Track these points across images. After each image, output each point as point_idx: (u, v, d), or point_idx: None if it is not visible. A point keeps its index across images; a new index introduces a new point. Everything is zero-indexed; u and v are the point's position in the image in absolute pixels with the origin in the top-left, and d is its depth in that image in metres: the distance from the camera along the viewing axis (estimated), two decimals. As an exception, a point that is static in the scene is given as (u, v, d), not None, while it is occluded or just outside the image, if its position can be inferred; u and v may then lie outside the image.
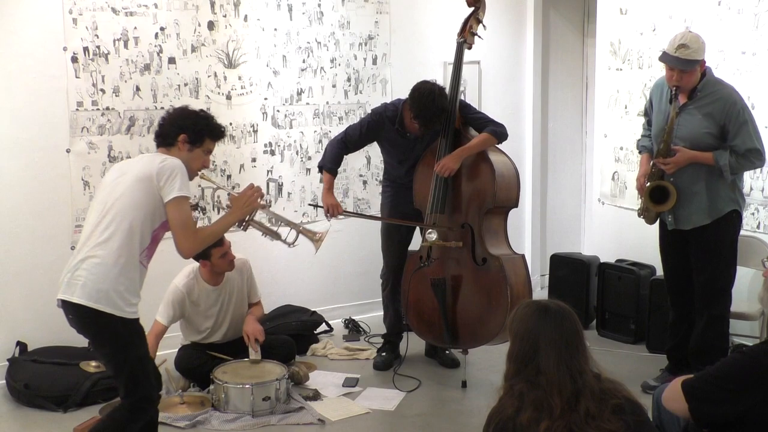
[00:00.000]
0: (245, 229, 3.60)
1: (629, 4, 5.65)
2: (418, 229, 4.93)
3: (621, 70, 5.75)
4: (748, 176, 4.75)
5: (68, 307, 3.20)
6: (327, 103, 5.77)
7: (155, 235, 3.26)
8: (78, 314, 3.18)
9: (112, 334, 3.19)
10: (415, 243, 4.91)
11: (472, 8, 4.78)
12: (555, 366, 2.27)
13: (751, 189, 4.85)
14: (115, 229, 3.15)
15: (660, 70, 5.38)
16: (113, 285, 3.14)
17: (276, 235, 3.91)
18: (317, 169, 4.93)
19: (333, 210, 4.72)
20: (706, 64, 4.25)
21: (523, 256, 4.72)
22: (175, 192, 3.17)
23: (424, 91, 4.54)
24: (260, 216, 3.99)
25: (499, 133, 4.64)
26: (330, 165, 4.82)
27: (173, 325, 4.73)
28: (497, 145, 4.70)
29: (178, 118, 3.38)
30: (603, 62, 5.94)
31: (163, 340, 4.71)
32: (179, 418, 4.20)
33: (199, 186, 5.31)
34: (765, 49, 4.78)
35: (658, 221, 4.50)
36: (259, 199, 3.49)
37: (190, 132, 3.34)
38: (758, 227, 4.85)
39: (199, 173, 3.47)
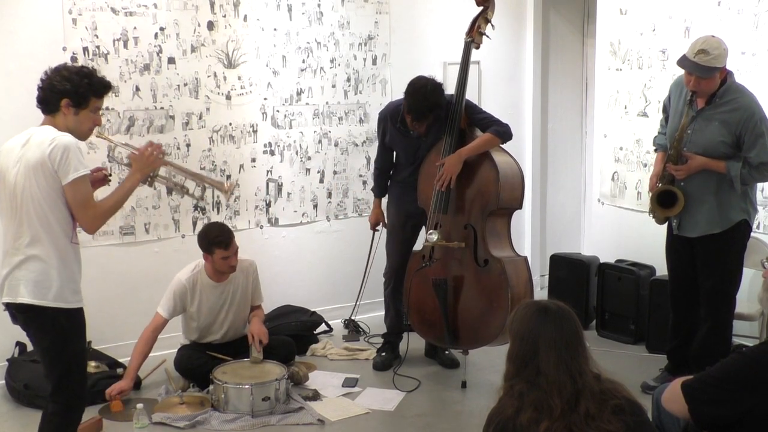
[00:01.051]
0: (151, 185, 3.50)
1: (629, 5, 5.65)
2: (423, 228, 4.93)
3: (621, 70, 5.75)
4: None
5: (13, 308, 3.20)
6: (327, 103, 5.76)
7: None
8: (22, 312, 3.18)
9: (55, 329, 3.17)
10: (420, 244, 4.90)
11: (481, 7, 4.76)
12: (555, 366, 2.27)
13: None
14: (37, 226, 3.12)
15: (660, 70, 5.41)
16: (57, 279, 3.14)
17: (182, 190, 3.82)
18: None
19: (373, 224, 5.17)
20: (728, 69, 4.15)
21: (525, 258, 4.70)
22: (70, 174, 3.08)
23: (417, 86, 4.56)
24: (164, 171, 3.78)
25: (502, 133, 4.63)
26: (375, 190, 5.16)
27: (174, 324, 4.73)
28: (502, 146, 4.69)
29: (58, 83, 3.17)
30: (603, 62, 5.94)
31: (163, 340, 4.72)
32: (179, 419, 4.20)
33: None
34: (765, 50, 4.78)
35: (666, 222, 4.47)
36: (160, 155, 3.37)
37: (72, 96, 3.16)
38: (758, 227, 4.84)
39: (96, 133, 3.35)
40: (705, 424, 2.70)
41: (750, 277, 4.87)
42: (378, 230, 5.21)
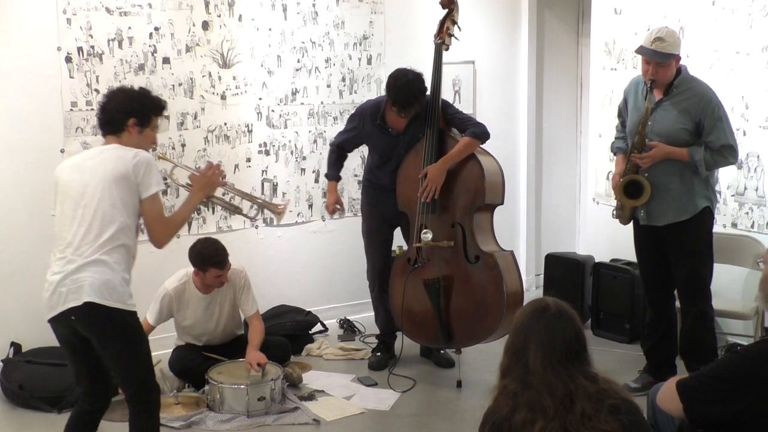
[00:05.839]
0: (206, 205, 3.58)
1: (623, 4, 5.66)
2: (399, 229, 4.94)
3: (615, 69, 5.75)
4: (742, 175, 4.77)
5: (74, 311, 3.12)
6: (322, 103, 5.76)
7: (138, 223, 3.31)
8: (87, 315, 3.12)
9: (126, 330, 3.18)
10: (398, 242, 4.91)
11: (447, 9, 4.83)
12: (541, 367, 2.26)
13: (746, 188, 4.87)
14: (110, 232, 3.13)
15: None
16: (120, 282, 3.16)
17: (237, 210, 3.90)
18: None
19: (331, 206, 4.97)
20: (681, 62, 4.28)
21: (512, 252, 4.73)
22: (153, 188, 3.18)
23: (399, 76, 4.60)
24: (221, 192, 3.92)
25: (480, 134, 4.64)
26: (330, 172, 5.02)
27: (169, 325, 4.73)
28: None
29: (124, 103, 3.29)
30: (597, 62, 5.94)
31: (158, 340, 4.70)
32: (174, 419, 4.20)
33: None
34: (759, 49, 4.79)
35: (631, 221, 4.49)
36: (220, 177, 3.47)
37: (139, 115, 3.27)
38: (752, 226, 4.86)
39: (158, 155, 3.41)
40: (700, 424, 2.71)
41: (744, 275, 4.88)
42: (337, 215, 5.20)
